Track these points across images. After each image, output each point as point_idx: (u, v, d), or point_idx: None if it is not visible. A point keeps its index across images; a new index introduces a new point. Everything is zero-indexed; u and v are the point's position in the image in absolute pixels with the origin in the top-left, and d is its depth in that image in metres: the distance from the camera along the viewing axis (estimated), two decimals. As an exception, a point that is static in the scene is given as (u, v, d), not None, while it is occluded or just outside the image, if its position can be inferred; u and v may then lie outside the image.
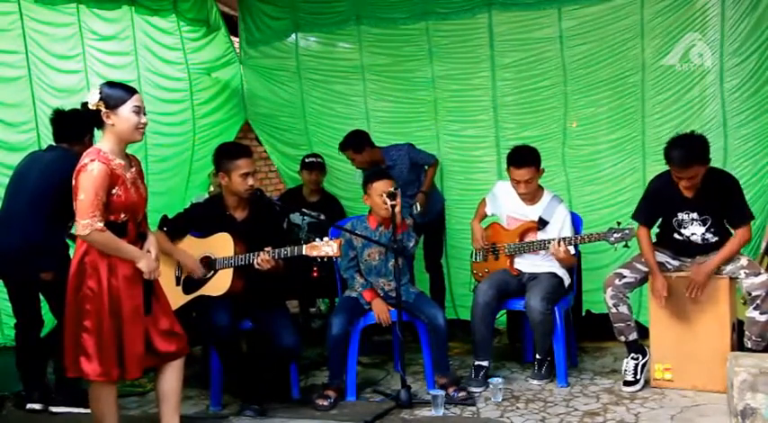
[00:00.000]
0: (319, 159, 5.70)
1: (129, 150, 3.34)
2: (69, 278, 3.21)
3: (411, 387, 4.21)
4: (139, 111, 3.23)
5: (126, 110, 3.19)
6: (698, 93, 5.11)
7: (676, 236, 4.24)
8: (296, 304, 5.90)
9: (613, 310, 4.29)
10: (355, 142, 5.37)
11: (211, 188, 5.65)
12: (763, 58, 4.87)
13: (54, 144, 4.20)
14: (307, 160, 5.68)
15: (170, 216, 4.42)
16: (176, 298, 4.09)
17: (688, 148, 3.97)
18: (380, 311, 4.30)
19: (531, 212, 4.60)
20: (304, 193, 5.71)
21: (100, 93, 3.17)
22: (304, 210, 5.42)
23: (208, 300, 4.11)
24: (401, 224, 4.29)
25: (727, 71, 4.98)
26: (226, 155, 4.19)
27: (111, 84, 3.28)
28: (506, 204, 4.68)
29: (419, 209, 5.34)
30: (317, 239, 4.06)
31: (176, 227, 4.29)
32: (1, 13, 4.58)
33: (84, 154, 3.18)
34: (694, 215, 4.15)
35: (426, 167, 5.52)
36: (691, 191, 4.10)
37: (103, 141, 3.23)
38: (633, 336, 4.30)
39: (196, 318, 4.16)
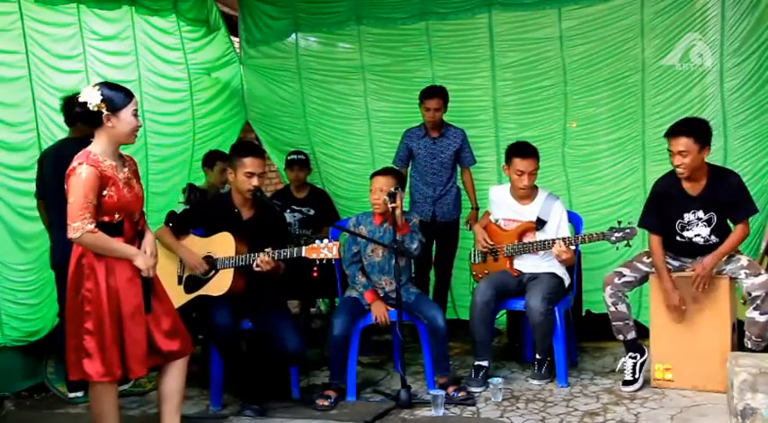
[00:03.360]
0: (301, 156, 5.70)
1: (130, 150, 3.34)
2: (68, 280, 3.21)
3: (411, 387, 4.21)
4: (137, 113, 3.25)
5: (128, 113, 3.21)
6: (698, 93, 5.11)
7: (678, 239, 4.23)
8: (296, 304, 5.91)
9: (612, 309, 4.29)
10: (446, 94, 5.25)
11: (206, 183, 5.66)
12: (763, 58, 4.87)
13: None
14: (288, 158, 5.70)
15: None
16: (178, 297, 4.09)
17: (680, 121, 4.12)
18: (379, 314, 4.30)
19: (527, 212, 4.60)
20: (291, 190, 5.74)
21: (101, 94, 3.17)
22: (293, 206, 5.45)
23: (208, 299, 4.12)
24: (403, 225, 4.28)
25: (727, 71, 4.98)
26: (235, 151, 4.26)
27: (108, 85, 3.28)
28: (501, 208, 4.68)
29: (469, 228, 5.23)
30: (316, 241, 4.07)
31: (182, 223, 4.31)
32: (1, 13, 4.57)
33: (75, 157, 3.19)
34: (700, 214, 4.15)
35: (461, 167, 5.38)
36: (689, 181, 4.10)
37: (96, 143, 3.23)
38: (632, 335, 4.30)
39: (197, 317, 4.17)
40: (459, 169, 5.42)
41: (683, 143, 4.01)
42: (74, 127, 4.36)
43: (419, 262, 5.04)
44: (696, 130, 4.04)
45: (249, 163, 4.14)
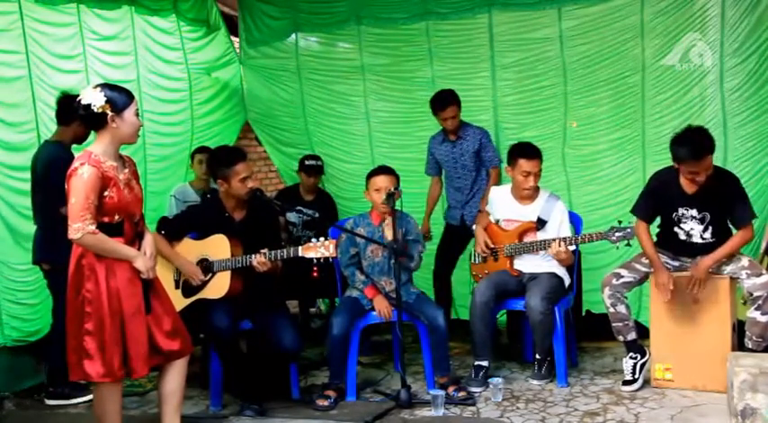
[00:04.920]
0: (319, 162, 5.68)
1: (129, 150, 3.34)
2: (68, 281, 3.22)
3: (411, 387, 4.21)
4: (138, 113, 3.27)
5: (131, 113, 3.22)
6: (698, 93, 5.11)
7: (676, 229, 4.22)
8: (296, 304, 5.91)
9: (611, 310, 4.29)
10: (458, 98, 5.07)
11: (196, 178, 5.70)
12: (763, 58, 4.87)
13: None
14: (306, 163, 5.64)
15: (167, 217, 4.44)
16: (176, 302, 4.07)
17: (697, 141, 3.96)
18: (382, 307, 4.29)
19: (528, 212, 4.60)
20: (300, 191, 5.73)
21: (104, 95, 3.16)
22: (300, 208, 5.44)
23: (207, 301, 4.11)
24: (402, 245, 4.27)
25: (727, 71, 4.97)
26: (222, 162, 4.19)
27: (109, 86, 3.28)
28: (501, 209, 4.68)
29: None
30: (313, 240, 4.07)
31: (175, 229, 4.30)
32: (1, 13, 4.58)
33: (76, 158, 3.19)
34: (693, 212, 4.15)
35: (484, 168, 5.22)
36: (696, 185, 4.08)
37: (97, 143, 3.24)
38: (632, 335, 4.30)
39: (196, 319, 4.17)
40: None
41: (708, 161, 3.96)
42: (66, 127, 4.36)
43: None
44: (713, 143, 3.98)
45: (242, 169, 4.13)
